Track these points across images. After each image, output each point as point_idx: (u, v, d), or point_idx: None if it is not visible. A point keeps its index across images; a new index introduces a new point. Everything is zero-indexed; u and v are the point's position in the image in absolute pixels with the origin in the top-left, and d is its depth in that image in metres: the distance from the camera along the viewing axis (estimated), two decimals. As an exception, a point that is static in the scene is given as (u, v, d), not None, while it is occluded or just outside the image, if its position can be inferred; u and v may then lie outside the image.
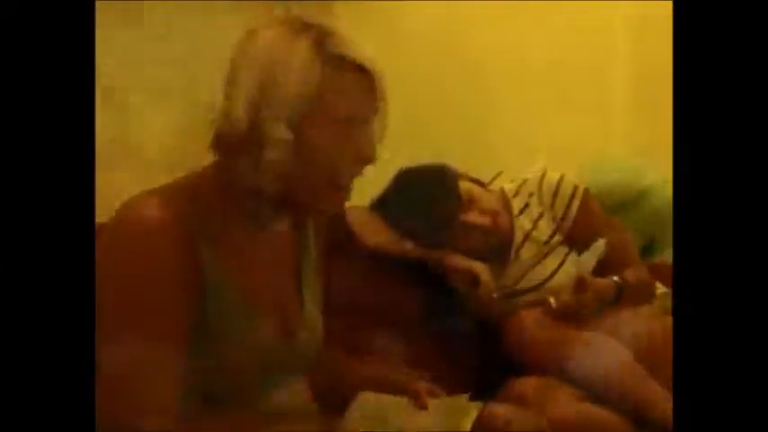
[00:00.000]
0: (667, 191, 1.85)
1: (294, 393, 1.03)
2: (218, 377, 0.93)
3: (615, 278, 1.41)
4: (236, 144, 0.91)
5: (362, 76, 0.92)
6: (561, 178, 1.49)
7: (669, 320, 1.31)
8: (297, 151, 0.90)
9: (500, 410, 1.20)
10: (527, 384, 1.31)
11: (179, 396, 0.87)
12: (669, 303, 1.41)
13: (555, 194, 1.49)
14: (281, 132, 0.89)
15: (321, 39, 0.91)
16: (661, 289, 1.52)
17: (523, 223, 1.50)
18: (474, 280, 1.42)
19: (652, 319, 1.36)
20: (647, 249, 1.84)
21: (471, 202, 1.44)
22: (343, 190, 0.97)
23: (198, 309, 0.90)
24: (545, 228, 1.49)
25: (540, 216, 1.50)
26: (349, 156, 0.94)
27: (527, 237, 1.49)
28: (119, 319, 0.85)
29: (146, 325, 0.86)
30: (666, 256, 1.77)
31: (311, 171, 0.93)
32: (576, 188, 1.49)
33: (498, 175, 1.62)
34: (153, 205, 0.88)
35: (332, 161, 0.93)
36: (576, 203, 1.47)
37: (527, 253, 1.49)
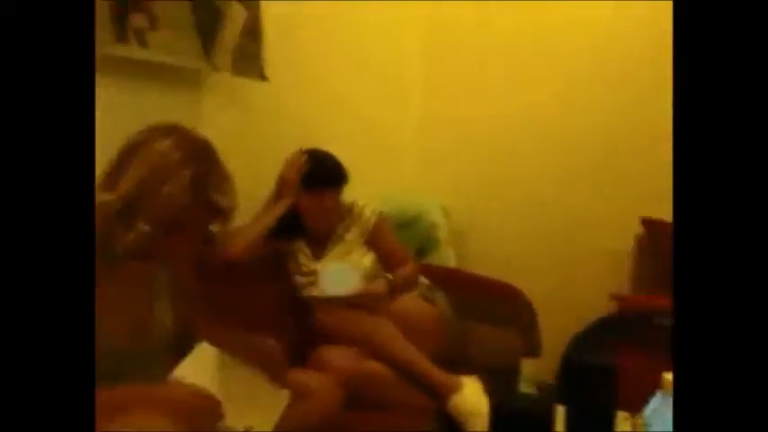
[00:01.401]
0: (432, 216, 2.51)
1: (163, 367, 1.27)
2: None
3: (388, 276, 1.99)
4: (104, 211, 1.10)
5: (219, 212, 1.17)
6: (366, 204, 2.09)
7: (422, 302, 1.96)
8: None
9: (301, 377, 1.51)
10: (330, 351, 1.83)
11: None
12: (425, 292, 2.03)
13: (360, 214, 2.07)
14: (142, 227, 1.12)
15: (201, 178, 1.12)
16: (423, 281, 2.08)
17: (338, 229, 2.06)
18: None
19: (412, 300, 1.95)
20: (420, 253, 2.45)
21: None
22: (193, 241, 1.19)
23: None
24: (354, 235, 2.06)
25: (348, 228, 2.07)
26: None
27: (340, 238, 2.06)
28: None
29: None
30: (430, 259, 2.44)
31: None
32: (373, 210, 2.08)
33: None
34: None
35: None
36: (373, 219, 2.06)
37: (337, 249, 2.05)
